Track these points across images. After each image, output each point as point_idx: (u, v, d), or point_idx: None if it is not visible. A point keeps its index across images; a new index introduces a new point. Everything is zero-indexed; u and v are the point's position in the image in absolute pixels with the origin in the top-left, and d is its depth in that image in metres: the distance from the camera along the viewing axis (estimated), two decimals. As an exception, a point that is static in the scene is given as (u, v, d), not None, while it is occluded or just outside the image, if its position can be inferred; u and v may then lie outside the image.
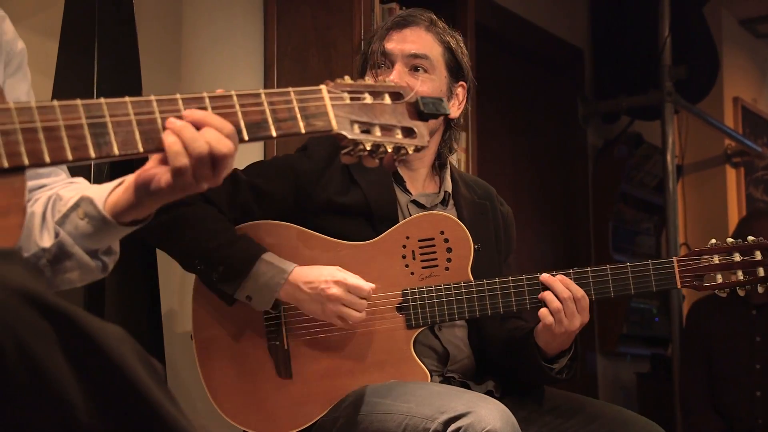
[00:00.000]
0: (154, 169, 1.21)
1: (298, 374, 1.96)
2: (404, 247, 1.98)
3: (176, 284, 2.54)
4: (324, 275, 1.90)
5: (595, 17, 4.67)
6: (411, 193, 2.09)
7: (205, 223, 1.93)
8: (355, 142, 1.27)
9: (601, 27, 4.64)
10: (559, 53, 4.47)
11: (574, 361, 2.04)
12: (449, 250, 1.99)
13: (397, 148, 1.30)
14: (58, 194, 1.35)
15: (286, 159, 2.10)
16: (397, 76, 1.99)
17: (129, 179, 1.27)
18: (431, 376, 1.96)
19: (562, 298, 1.94)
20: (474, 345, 2.09)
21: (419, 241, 1.99)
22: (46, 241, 1.30)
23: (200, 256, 1.93)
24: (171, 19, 2.81)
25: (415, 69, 2.03)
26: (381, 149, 1.28)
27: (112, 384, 0.93)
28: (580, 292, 1.95)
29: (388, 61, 2.04)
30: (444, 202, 2.11)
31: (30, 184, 1.36)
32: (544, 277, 1.98)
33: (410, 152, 1.30)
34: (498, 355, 2.09)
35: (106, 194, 1.29)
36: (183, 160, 1.17)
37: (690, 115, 4.80)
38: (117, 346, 0.93)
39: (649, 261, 2.03)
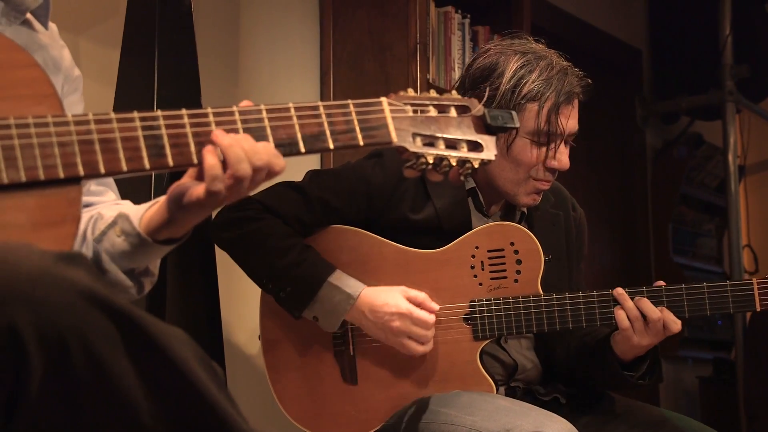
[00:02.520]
0: (188, 184, 1.21)
1: (363, 381, 1.96)
2: (473, 257, 1.96)
3: (236, 287, 2.57)
4: (390, 305, 1.87)
5: (654, 17, 4.62)
6: (489, 217, 2.05)
7: (273, 240, 1.92)
8: (417, 155, 1.25)
9: (660, 27, 4.59)
10: (617, 54, 4.43)
11: (656, 364, 1.99)
12: (519, 261, 1.95)
13: (462, 162, 1.27)
14: (99, 213, 1.36)
15: (359, 169, 2.02)
16: (566, 159, 1.95)
17: (164, 197, 1.27)
18: (497, 387, 1.94)
19: (653, 318, 1.89)
20: (541, 353, 2.06)
21: (488, 251, 1.96)
22: None
23: (268, 276, 1.93)
24: (229, 26, 2.84)
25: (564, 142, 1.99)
26: (444, 163, 1.26)
27: (174, 386, 0.94)
28: (656, 314, 1.89)
29: (556, 136, 1.95)
30: (519, 222, 2.07)
31: None
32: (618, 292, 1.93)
33: (476, 166, 1.27)
34: (568, 363, 2.05)
35: (143, 211, 1.30)
36: (218, 185, 1.17)
37: (752, 115, 4.72)
38: (179, 348, 0.95)
39: (727, 282, 1.96)
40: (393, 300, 1.88)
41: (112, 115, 1.12)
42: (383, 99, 1.26)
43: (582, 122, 2.01)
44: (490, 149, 1.29)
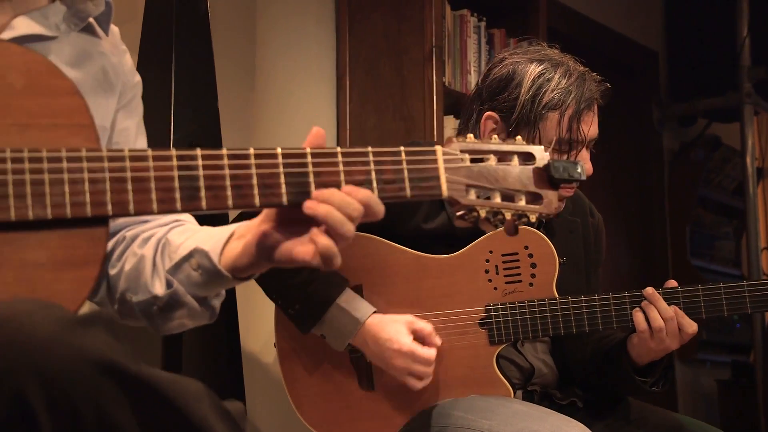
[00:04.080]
0: (280, 238, 1.15)
1: (380, 386, 1.96)
2: (487, 261, 1.95)
3: (252, 294, 2.57)
4: (393, 341, 1.86)
5: (670, 19, 4.60)
6: None
7: None
8: (470, 208, 1.19)
9: (677, 28, 4.57)
10: (633, 56, 4.41)
11: (669, 370, 1.98)
12: (533, 265, 1.95)
13: (519, 215, 1.21)
14: (167, 239, 1.32)
15: None
16: (589, 165, 1.93)
17: (247, 238, 1.20)
18: (514, 391, 1.93)
19: (666, 317, 1.88)
20: (557, 357, 2.05)
21: (503, 255, 1.95)
22: (158, 289, 1.27)
23: (277, 292, 1.93)
24: (245, 31, 2.85)
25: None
26: (499, 216, 1.20)
27: None
28: (667, 312, 1.88)
29: (579, 144, 1.94)
30: (536, 229, 2.07)
31: (131, 218, 1.35)
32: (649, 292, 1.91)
33: (533, 220, 1.22)
34: (584, 367, 2.05)
35: (221, 247, 1.23)
36: (337, 261, 1.12)
37: (770, 117, 4.69)
38: (197, 407, 0.94)
39: (744, 282, 1.96)
40: (397, 336, 1.86)
41: (149, 153, 1.08)
42: (438, 147, 1.19)
43: (599, 125, 2.00)
44: (550, 202, 1.22)
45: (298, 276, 1.90)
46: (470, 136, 1.22)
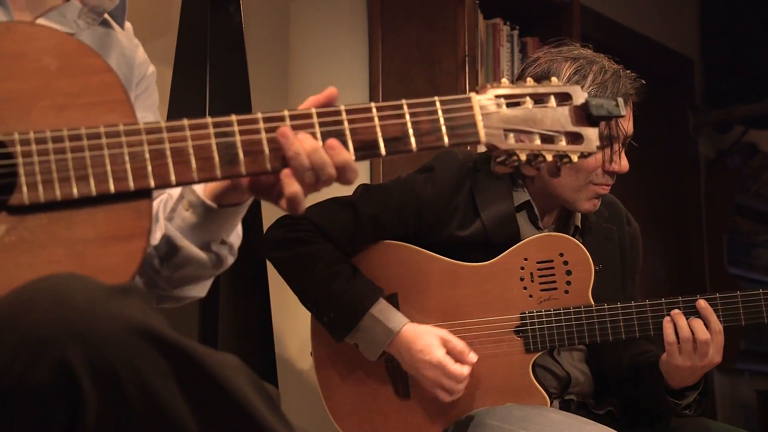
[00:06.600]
0: (267, 178, 1.17)
1: (415, 395, 1.96)
2: (522, 269, 1.94)
3: (287, 300, 2.58)
4: (425, 353, 1.86)
5: (706, 25, 4.56)
6: (542, 229, 2.02)
7: (321, 265, 1.92)
8: (509, 153, 1.17)
9: (712, 35, 4.53)
10: (669, 63, 4.38)
11: (704, 396, 1.95)
12: (569, 272, 1.93)
13: (560, 156, 1.19)
14: (169, 194, 1.35)
15: (410, 185, 2.00)
16: (625, 162, 1.93)
17: None
18: (551, 400, 1.92)
19: (715, 330, 1.86)
20: (593, 366, 2.04)
21: (538, 263, 1.94)
22: (157, 239, 1.30)
23: (312, 301, 1.95)
24: (278, 42, 2.87)
25: None
26: (539, 158, 1.18)
27: (227, 415, 0.95)
28: (704, 335, 1.85)
29: (617, 139, 1.93)
30: (572, 235, 2.03)
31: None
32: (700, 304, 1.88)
33: (575, 160, 1.19)
34: (619, 383, 2.03)
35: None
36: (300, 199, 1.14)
37: (808, 123, 4.63)
38: (233, 377, 0.95)
39: None
40: (430, 348, 1.87)
41: (185, 122, 1.10)
42: (472, 94, 1.18)
43: (634, 132, 1.98)
44: (591, 141, 1.19)
45: (331, 285, 1.90)
46: (504, 80, 1.21)
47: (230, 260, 1.35)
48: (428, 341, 1.88)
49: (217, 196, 1.25)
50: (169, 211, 1.30)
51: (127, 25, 1.44)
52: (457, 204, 1.97)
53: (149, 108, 1.45)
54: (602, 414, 2.00)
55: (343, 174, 1.14)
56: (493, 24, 3.13)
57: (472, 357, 1.88)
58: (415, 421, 1.95)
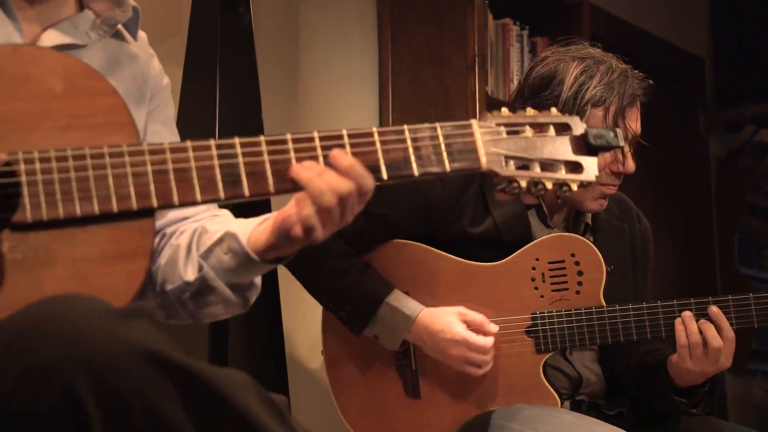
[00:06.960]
0: (293, 218, 1.16)
1: (426, 395, 1.96)
2: (534, 269, 1.94)
3: (297, 298, 2.58)
4: (446, 332, 1.87)
5: (716, 25, 4.55)
6: (552, 228, 2.01)
7: (332, 261, 1.93)
8: (509, 180, 1.19)
9: (723, 34, 4.51)
10: (679, 63, 4.37)
11: (711, 395, 1.94)
12: (580, 273, 1.93)
13: (559, 185, 1.20)
14: (204, 227, 1.34)
15: (418, 183, 2.00)
16: (631, 163, 1.93)
17: (273, 218, 1.23)
18: (561, 401, 1.92)
19: (727, 337, 1.85)
20: (605, 366, 2.03)
21: (549, 263, 1.94)
22: (190, 275, 1.29)
23: (327, 296, 1.95)
24: (288, 43, 2.87)
25: None
26: (539, 186, 1.20)
27: None
28: (717, 342, 1.84)
29: (624, 140, 1.91)
30: (583, 234, 2.03)
31: (174, 215, 1.38)
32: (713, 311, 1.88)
33: (574, 189, 1.20)
34: (629, 380, 2.02)
35: (250, 230, 1.26)
36: (312, 221, 1.14)
37: (820, 122, 4.61)
38: (241, 395, 0.95)
39: None
40: (449, 326, 1.88)
41: (188, 144, 1.11)
42: (473, 121, 1.20)
43: (644, 132, 1.98)
44: (590, 170, 1.21)
45: (345, 278, 1.91)
46: (504, 109, 1.23)
47: (253, 299, 1.36)
48: (447, 319, 1.89)
49: (261, 252, 1.24)
50: (205, 250, 1.29)
51: (141, 34, 1.43)
52: (467, 201, 1.97)
53: (165, 122, 1.44)
54: (613, 415, 1.99)
55: (356, 180, 1.15)
56: (502, 24, 3.13)
57: (493, 327, 1.89)
58: (426, 421, 1.95)
